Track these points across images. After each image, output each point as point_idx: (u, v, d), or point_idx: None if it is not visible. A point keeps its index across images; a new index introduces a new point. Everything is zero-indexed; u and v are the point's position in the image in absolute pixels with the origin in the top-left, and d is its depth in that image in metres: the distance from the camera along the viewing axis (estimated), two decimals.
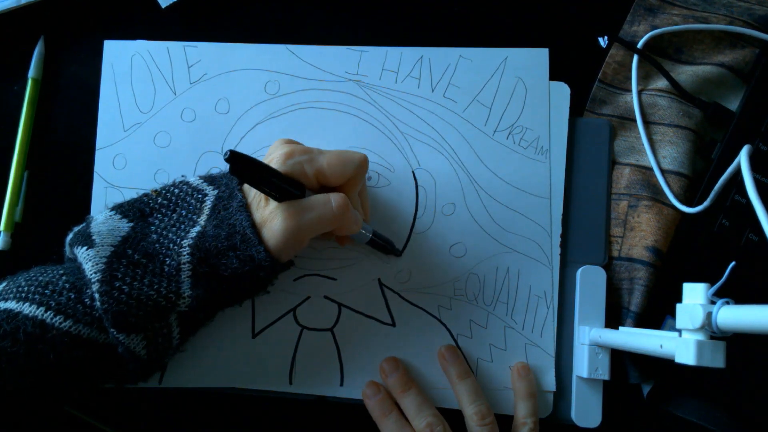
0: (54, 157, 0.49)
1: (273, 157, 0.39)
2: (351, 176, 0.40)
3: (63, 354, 0.35)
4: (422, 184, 0.50)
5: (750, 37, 0.55)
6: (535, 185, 0.50)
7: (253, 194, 0.39)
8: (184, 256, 0.37)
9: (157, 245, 0.38)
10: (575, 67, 0.55)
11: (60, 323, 0.35)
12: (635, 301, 0.48)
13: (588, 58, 0.55)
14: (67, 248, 0.40)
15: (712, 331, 0.34)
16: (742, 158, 0.44)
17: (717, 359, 0.34)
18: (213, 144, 0.49)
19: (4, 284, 0.38)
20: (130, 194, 0.46)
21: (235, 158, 0.34)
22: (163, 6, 0.50)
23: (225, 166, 0.44)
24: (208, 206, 0.39)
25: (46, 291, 0.36)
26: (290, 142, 0.41)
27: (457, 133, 0.51)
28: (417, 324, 0.48)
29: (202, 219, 0.39)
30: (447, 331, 0.48)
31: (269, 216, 0.38)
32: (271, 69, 0.50)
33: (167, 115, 0.49)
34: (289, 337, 0.47)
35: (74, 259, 0.39)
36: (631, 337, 0.42)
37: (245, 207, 0.38)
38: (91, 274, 0.36)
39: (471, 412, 0.44)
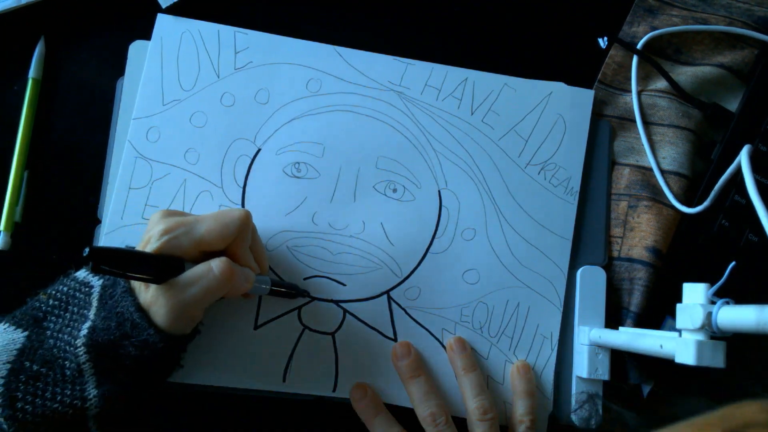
0: (54, 157, 0.49)
1: (150, 235, 0.37)
2: (234, 237, 0.38)
3: None
4: (446, 205, 0.50)
5: (749, 38, 0.55)
6: (559, 225, 0.50)
7: None
8: (81, 356, 0.36)
9: (54, 350, 0.36)
10: (575, 68, 0.55)
11: None
12: (635, 301, 0.48)
13: (588, 59, 0.55)
14: None
15: (712, 331, 0.34)
16: (743, 158, 0.44)
17: (717, 359, 0.34)
18: (247, 132, 0.48)
19: None
20: (159, 168, 0.47)
21: (96, 255, 0.32)
22: (164, 6, 0.50)
23: (253, 154, 0.46)
24: (96, 298, 0.38)
25: None
26: (170, 214, 0.39)
27: (490, 160, 0.51)
28: (418, 343, 0.48)
29: (92, 312, 0.37)
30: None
31: (152, 299, 0.36)
32: (316, 67, 0.50)
33: (207, 97, 0.49)
34: (289, 335, 0.46)
35: None
36: (631, 337, 0.42)
37: (129, 292, 0.37)
38: None
39: (473, 406, 0.44)
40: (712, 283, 0.36)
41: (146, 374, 0.38)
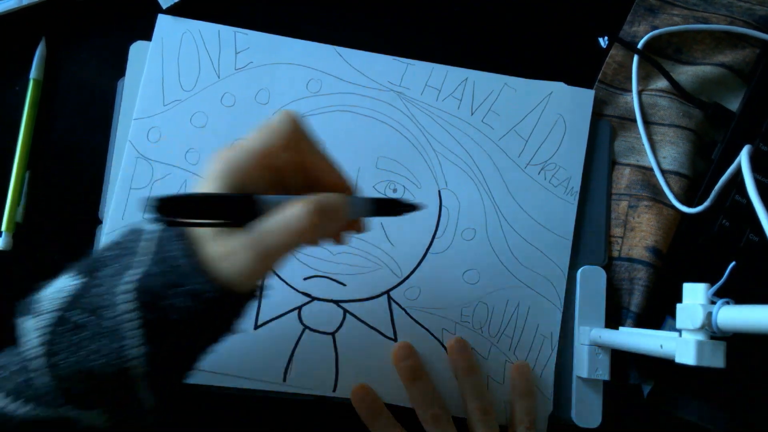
0: (55, 158, 0.49)
1: (207, 174, 0.33)
2: (287, 133, 0.32)
3: None
4: (446, 205, 0.50)
5: (750, 38, 0.55)
6: (559, 224, 0.50)
7: None
8: (129, 304, 0.31)
9: (106, 296, 0.32)
10: (575, 67, 0.55)
11: (18, 410, 0.31)
12: (635, 301, 0.48)
13: (588, 58, 0.55)
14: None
15: (712, 331, 0.34)
16: (743, 158, 0.44)
17: (717, 359, 0.34)
18: (248, 132, 0.48)
19: None
20: (160, 169, 0.47)
21: (162, 206, 0.29)
22: (164, 6, 0.50)
23: None
24: (155, 242, 0.33)
25: (4, 374, 0.32)
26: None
27: (490, 160, 0.51)
28: (418, 343, 0.47)
29: (145, 260, 0.33)
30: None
31: (226, 249, 0.31)
32: (316, 68, 0.50)
33: (208, 97, 0.49)
34: (290, 335, 0.47)
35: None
36: (631, 337, 0.42)
37: (182, 236, 0.32)
38: (29, 351, 0.31)
39: (474, 407, 0.44)
40: (712, 283, 0.36)
41: (194, 333, 0.33)
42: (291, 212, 0.31)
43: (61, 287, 0.33)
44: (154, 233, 0.34)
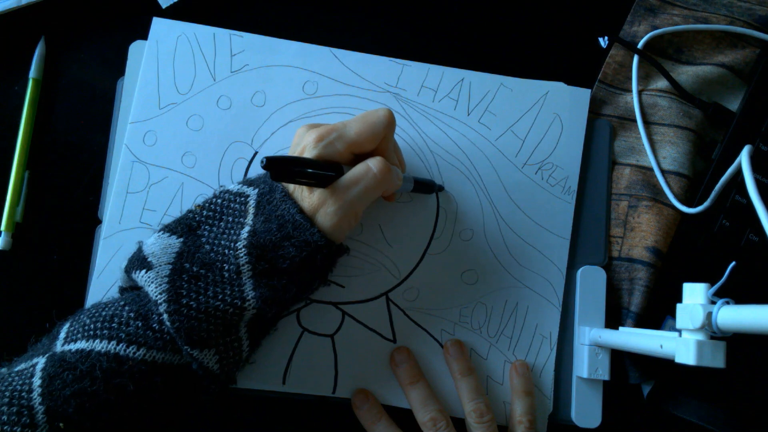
0: (55, 157, 0.49)
1: (304, 145, 0.39)
2: (382, 135, 0.40)
3: (142, 383, 0.35)
4: (444, 206, 0.50)
5: (750, 38, 0.55)
6: (557, 224, 0.50)
7: (293, 185, 0.40)
8: (242, 257, 0.37)
9: (212, 254, 0.38)
10: (575, 67, 0.55)
11: (134, 353, 0.35)
12: (635, 301, 0.48)
13: (588, 58, 0.55)
14: (124, 276, 0.40)
15: (712, 331, 0.34)
16: (743, 158, 0.44)
17: (717, 359, 0.34)
18: (244, 135, 0.48)
19: (67, 325, 0.37)
20: (156, 172, 0.47)
21: (272, 163, 0.35)
22: (164, 6, 0.50)
23: (250, 157, 0.47)
24: (252, 205, 0.40)
25: (113, 324, 0.36)
26: (313, 126, 0.41)
27: (487, 160, 0.50)
28: (417, 344, 0.47)
29: (249, 219, 0.39)
30: None
31: (319, 202, 0.38)
32: (312, 69, 0.50)
33: (204, 100, 0.49)
34: (289, 337, 0.46)
35: (130, 288, 0.40)
36: (631, 337, 0.42)
37: (288, 196, 0.39)
38: (156, 296, 0.36)
39: (470, 409, 0.44)
40: (713, 283, 0.36)
41: (297, 281, 0.39)
42: (365, 166, 0.39)
43: (164, 245, 0.38)
44: (251, 196, 0.40)
